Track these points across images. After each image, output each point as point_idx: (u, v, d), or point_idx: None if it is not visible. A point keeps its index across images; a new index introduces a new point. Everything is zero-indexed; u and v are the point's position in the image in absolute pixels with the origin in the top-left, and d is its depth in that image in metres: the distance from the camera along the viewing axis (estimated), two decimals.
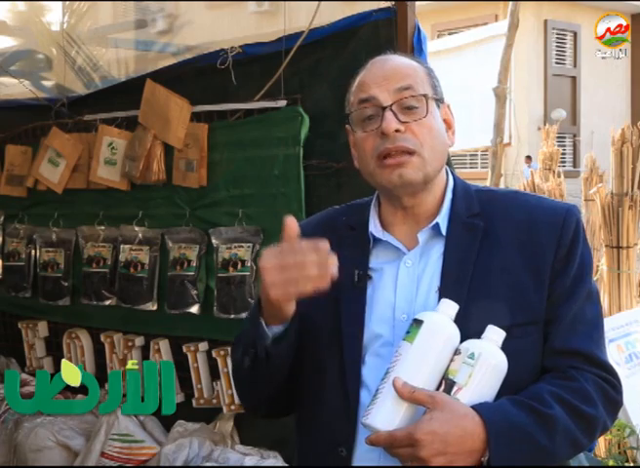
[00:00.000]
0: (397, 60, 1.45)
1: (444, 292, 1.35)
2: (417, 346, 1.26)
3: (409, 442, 1.19)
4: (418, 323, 1.28)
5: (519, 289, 1.34)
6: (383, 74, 1.40)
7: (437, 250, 1.40)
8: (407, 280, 1.39)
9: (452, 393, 1.24)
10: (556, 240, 1.37)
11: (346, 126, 1.46)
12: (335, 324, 1.39)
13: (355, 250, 1.45)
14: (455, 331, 1.28)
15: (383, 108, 1.37)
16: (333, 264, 1.24)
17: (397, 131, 1.36)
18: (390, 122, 1.36)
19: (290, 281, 1.25)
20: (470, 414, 1.21)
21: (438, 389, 1.26)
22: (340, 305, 1.40)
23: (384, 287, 1.41)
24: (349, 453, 1.35)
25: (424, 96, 1.39)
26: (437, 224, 1.41)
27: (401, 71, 1.41)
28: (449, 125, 1.47)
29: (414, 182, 1.38)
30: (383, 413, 1.24)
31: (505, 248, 1.37)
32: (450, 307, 1.30)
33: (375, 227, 1.45)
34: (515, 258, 1.36)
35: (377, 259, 1.44)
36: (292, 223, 1.28)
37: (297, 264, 1.24)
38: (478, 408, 1.23)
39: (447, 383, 1.25)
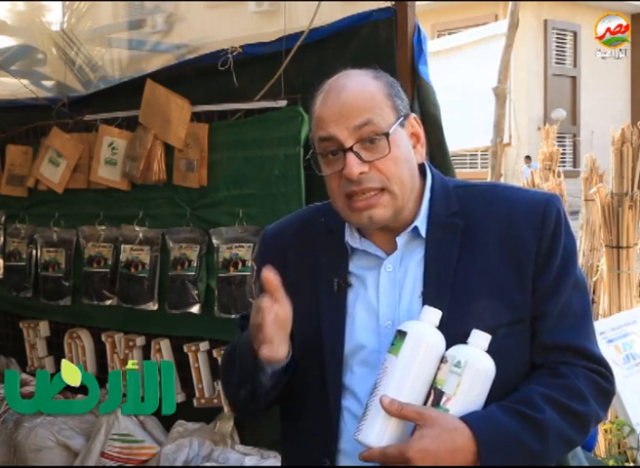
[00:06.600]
0: (353, 89, 1.34)
1: (427, 296, 1.33)
2: (402, 359, 1.25)
3: (401, 460, 1.19)
4: (401, 334, 1.26)
5: (502, 287, 1.32)
6: (340, 110, 1.32)
7: (418, 253, 1.38)
8: (389, 285, 1.37)
9: (441, 403, 1.23)
10: (537, 234, 1.34)
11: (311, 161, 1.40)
12: (315, 334, 1.37)
13: (334, 256, 1.42)
14: (439, 339, 1.27)
15: (345, 150, 1.31)
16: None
17: (362, 173, 1.31)
18: (353, 167, 1.30)
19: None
20: (460, 427, 1.20)
21: (427, 399, 1.25)
22: (320, 316, 1.38)
23: (367, 294, 1.38)
24: (332, 463, 1.35)
25: (385, 134, 1.31)
26: (416, 227, 1.38)
27: (358, 105, 1.32)
28: (417, 138, 1.40)
29: (384, 221, 1.35)
30: (374, 430, 1.23)
31: (486, 246, 1.34)
32: (433, 314, 1.28)
33: (351, 236, 1.42)
34: (497, 256, 1.34)
35: (357, 265, 1.41)
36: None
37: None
38: (467, 418, 1.22)
39: (436, 393, 1.24)
